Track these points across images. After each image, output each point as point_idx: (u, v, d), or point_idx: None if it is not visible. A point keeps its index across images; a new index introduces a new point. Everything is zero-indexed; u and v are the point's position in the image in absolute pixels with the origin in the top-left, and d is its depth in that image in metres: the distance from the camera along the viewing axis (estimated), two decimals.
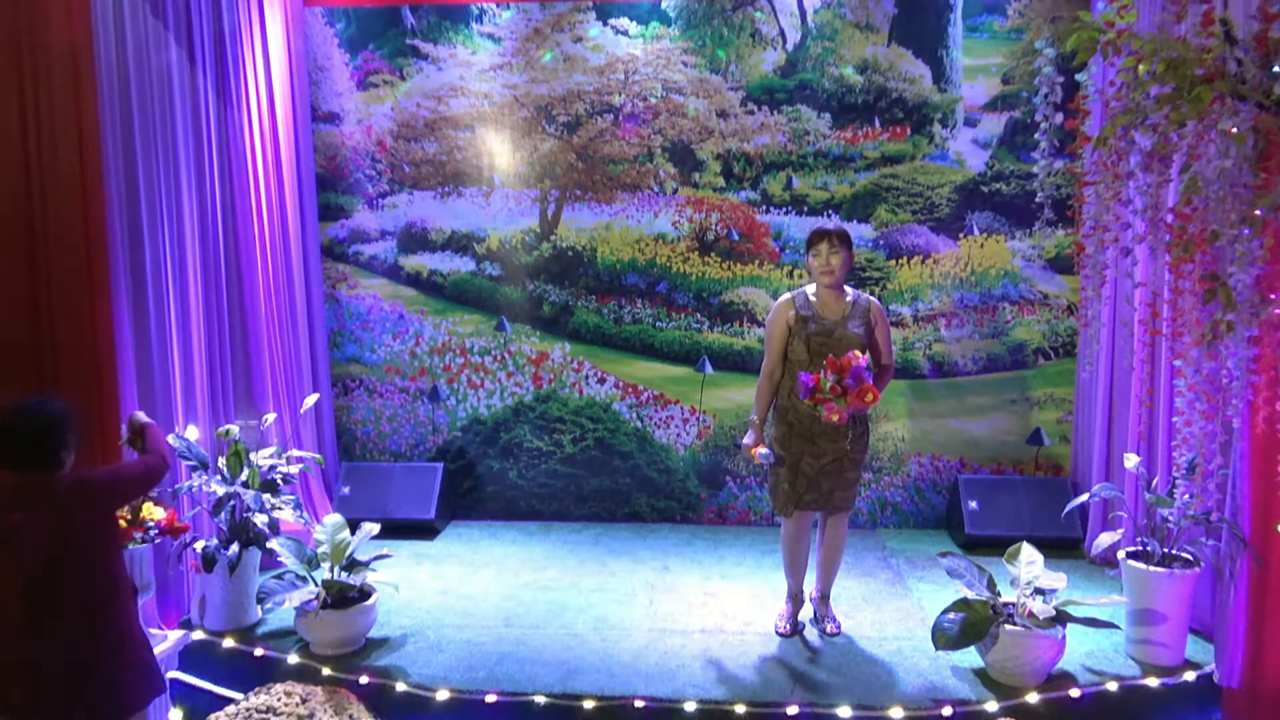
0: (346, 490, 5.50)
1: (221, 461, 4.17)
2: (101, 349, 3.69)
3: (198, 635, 3.98)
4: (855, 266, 5.39)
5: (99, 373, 3.69)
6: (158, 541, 3.65)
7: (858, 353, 3.58)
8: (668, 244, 5.60)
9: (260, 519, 4.05)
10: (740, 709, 3.44)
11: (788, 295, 3.93)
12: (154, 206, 4.02)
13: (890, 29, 5.36)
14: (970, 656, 3.71)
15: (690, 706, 3.45)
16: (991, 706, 3.43)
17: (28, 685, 2.60)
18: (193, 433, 4.12)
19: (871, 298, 3.90)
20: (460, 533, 5.53)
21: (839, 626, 4.05)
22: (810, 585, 4.19)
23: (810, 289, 3.89)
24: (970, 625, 3.54)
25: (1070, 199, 3.04)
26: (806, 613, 4.17)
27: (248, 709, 3.42)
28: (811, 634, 4.05)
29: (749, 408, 4.31)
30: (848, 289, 3.88)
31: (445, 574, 4.83)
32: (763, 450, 3.86)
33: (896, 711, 3.40)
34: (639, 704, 3.47)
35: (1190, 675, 3.62)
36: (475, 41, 5.55)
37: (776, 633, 4.04)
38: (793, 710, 3.42)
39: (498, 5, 5.50)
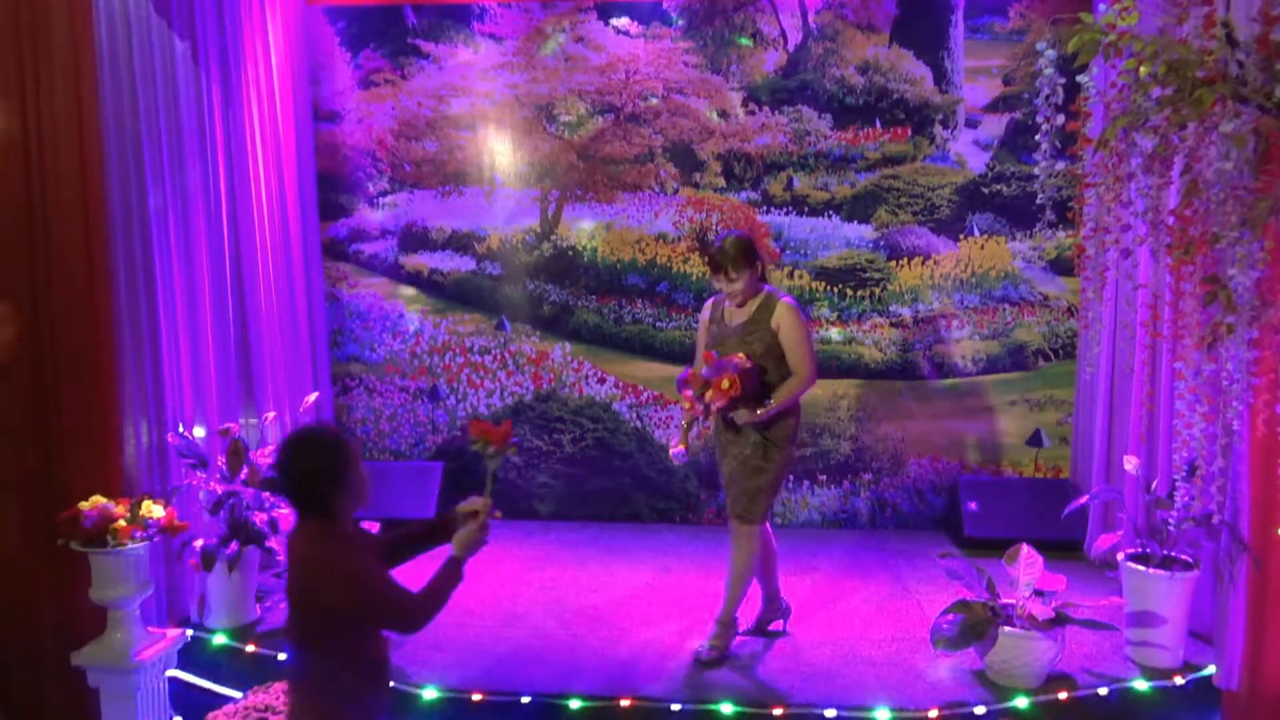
0: None
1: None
2: (102, 349, 3.69)
3: (197, 634, 3.98)
4: (856, 267, 5.40)
5: (99, 373, 3.69)
6: (156, 540, 3.65)
7: (742, 355, 3.58)
8: (668, 244, 5.60)
9: (260, 517, 4.05)
10: (739, 710, 3.43)
11: (710, 300, 3.91)
12: (159, 205, 4.02)
13: (892, 30, 5.36)
14: (969, 658, 3.71)
15: (690, 707, 3.45)
16: (991, 708, 3.43)
17: None
18: (200, 432, 4.12)
19: (784, 301, 3.67)
20: None
21: (732, 641, 3.85)
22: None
23: None
24: (970, 626, 3.54)
25: (1071, 201, 3.03)
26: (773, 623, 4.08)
27: (246, 708, 3.42)
28: (810, 635, 4.04)
29: None
30: (761, 293, 3.70)
31: None
32: (676, 449, 3.89)
33: (896, 713, 3.40)
34: (639, 704, 3.47)
35: (1189, 678, 3.62)
36: (476, 41, 5.54)
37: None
38: (792, 711, 3.42)
39: (499, 4, 5.50)
